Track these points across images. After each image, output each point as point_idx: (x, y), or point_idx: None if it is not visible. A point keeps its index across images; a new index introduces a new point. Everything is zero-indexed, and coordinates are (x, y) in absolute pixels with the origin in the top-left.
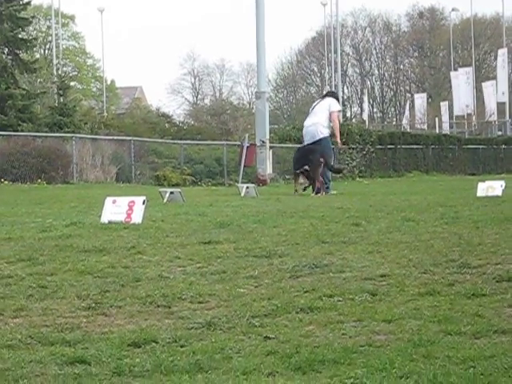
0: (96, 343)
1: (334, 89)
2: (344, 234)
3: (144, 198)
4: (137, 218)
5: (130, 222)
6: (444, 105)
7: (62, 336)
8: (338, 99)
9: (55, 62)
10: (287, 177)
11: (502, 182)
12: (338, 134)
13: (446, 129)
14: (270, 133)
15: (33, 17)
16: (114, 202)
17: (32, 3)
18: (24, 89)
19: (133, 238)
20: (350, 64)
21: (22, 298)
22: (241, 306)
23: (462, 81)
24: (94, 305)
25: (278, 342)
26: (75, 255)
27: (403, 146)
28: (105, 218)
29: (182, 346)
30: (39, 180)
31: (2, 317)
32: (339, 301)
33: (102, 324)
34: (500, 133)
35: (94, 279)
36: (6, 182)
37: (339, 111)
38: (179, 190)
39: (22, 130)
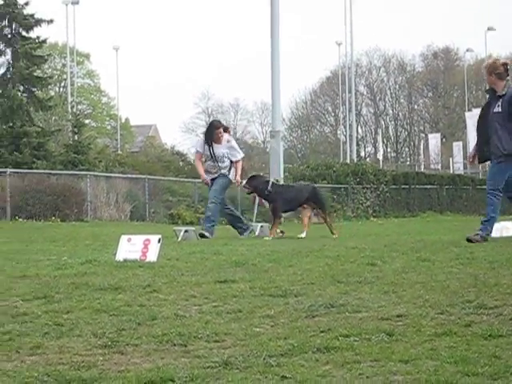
0: (112, 381)
1: (348, 129)
2: (359, 273)
3: (159, 236)
4: (152, 256)
5: (145, 261)
6: (457, 145)
7: (78, 374)
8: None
9: (70, 99)
10: (301, 216)
11: None
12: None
13: (459, 169)
14: (284, 172)
15: (48, 55)
16: (129, 240)
17: (47, 41)
18: (39, 126)
19: (148, 277)
20: (364, 104)
21: (39, 335)
22: (257, 345)
23: (476, 121)
24: (110, 343)
25: (295, 382)
26: (91, 293)
27: (417, 186)
28: (120, 256)
29: None
30: (53, 217)
31: (19, 354)
32: (356, 341)
33: (119, 362)
34: None
35: (109, 317)
36: (21, 220)
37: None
38: (193, 228)
39: (37, 168)
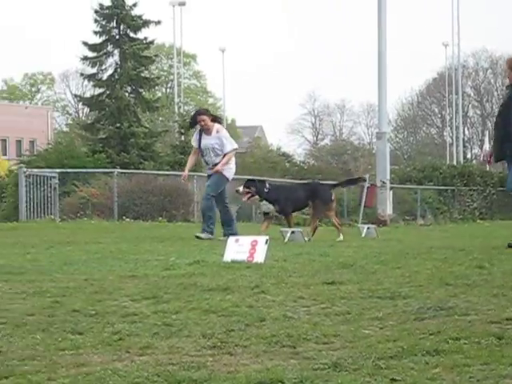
0: (222, 382)
1: (454, 130)
2: (468, 276)
3: (266, 237)
4: (259, 257)
5: (252, 262)
6: None
7: (188, 375)
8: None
9: (176, 100)
10: (407, 218)
11: None
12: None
13: None
14: (390, 173)
15: (156, 56)
16: (237, 241)
17: (155, 42)
18: (146, 127)
19: (256, 278)
20: (470, 105)
21: (148, 335)
22: (366, 347)
23: None
24: (219, 344)
25: None
26: (199, 294)
27: None
28: (228, 257)
29: None
30: (160, 218)
31: (129, 354)
32: (465, 344)
33: (228, 363)
34: None
35: (218, 318)
36: (128, 220)
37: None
38: (300, 229)
39: (144, 168)
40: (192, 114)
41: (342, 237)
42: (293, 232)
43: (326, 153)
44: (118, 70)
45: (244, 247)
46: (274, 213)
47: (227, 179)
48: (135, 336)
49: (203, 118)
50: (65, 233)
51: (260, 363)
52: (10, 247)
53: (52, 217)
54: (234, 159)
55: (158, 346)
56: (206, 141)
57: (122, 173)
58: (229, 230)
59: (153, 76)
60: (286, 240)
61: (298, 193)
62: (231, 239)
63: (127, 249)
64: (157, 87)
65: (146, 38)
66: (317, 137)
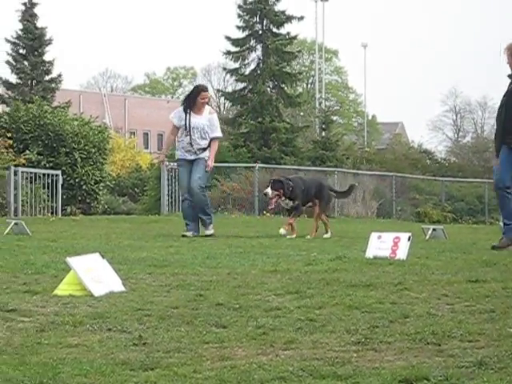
0: (367, 378)
1: None
2: None
3: (409, 234)
4: (401, 254)
5: (394, 258)
6: None
7: (333, 370)
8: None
9: (317, 96)
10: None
11: None
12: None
13: None
14: None
15: (298, 51)
16: (380, 237)
17: (297, 37)
18: (288, 122)
19: (399, 274)
20: None
21: (292, 330)
22: (511, 346)
23: None
24: (363, 340)
25: None
26: (342, 289)
27: None
28: (370, 253)
29: None
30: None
31: (273, 348)
32: None
33: (372, 359)
34: None
35: (362, 314)
36: (268, 215)
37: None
38: (441, 227)
39: (285, 163)
40: (191, 90)
41: (329, 234)
42: (434, 229)
43: (468, 150)
44: (261, 64)
45: (386, 244)
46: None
47: (211, 169)
48: (279, 330)
49: (207, 94)
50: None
51: (404, 360)
52: (153, 240)
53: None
54: None
55: (301, 341)
56: (197, 119)
57: (263, 167)
58: (207, 220)
59: (294, 71)
60: (428, 237)
61: (309, 188)
62: (374, 235)
63: (269, 243)
64: (298, 82)
65: (288, 34)
66: (458, 134)
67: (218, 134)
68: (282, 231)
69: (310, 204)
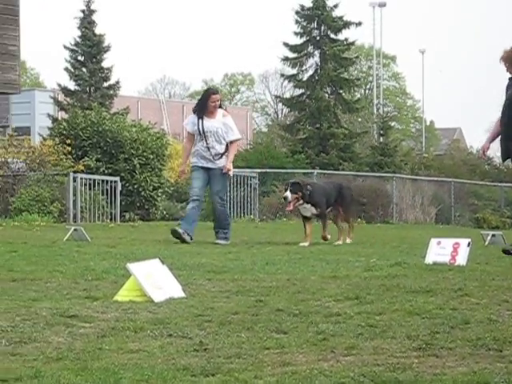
0: None
1: None
2: None
3: (469, 240)
4: (461, 260)
5: (454, 264)
6: None
7: (394, 376)
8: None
9: (375, 101)
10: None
11: None
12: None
13: None
14: None
15: (356, 57)
16: (439, 243)
17: (355, 43)
18: (346, 128)
19: (459, 280)
20: None
21: (352, 336)
22: None
23: None
24: (424, 346)
25: None
26: (402, 295)
27: None
28: (429, 259)
29: None
30: (359, 219)
31: (334, 354)
32: None
33: (434, 365)
34: None
35: (422, 320)
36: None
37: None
38: (501, 232)
39: (343, 169)
40: (201, 95)
41: (341, 241)
42: (493, 235)
43: None
44: (319, 70)
45: (446, 249)
46: (312, 215)
47: (228, 176)
48: (339, 336)
49: (218, 97)
50: (264, 232)
51: (466, 366)
52: (211, 246)
53: (251, 216)
54: None
55: (362, 347)
56: (210, 123)
57: (321, 173)
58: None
59: (352, 77)
60: (487, 243)
61: (331, 193)
62: (433, 241)
63: (327, 249)
64: (356, 88)
65: (346, 39)
66: None
67: (235, 136)
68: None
69: (329, 209)
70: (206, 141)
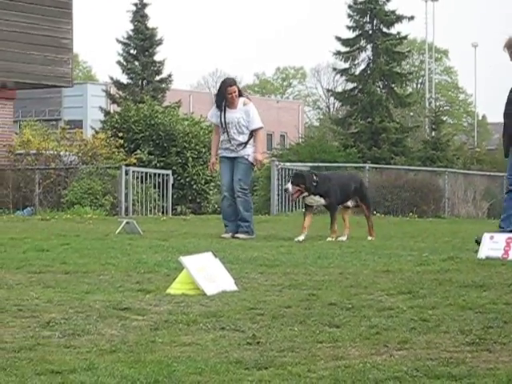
0: (482, 379)
1: None
2: None
3: None
4: None
5: (507, 259)
6: None
7: (447, 370)
8: None
9: (427, 96)
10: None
11: None
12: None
13: None
14: None
15: (408, 51)
16: (492, 237)
17: (407, 37)
18: (398, 122)
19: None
20: None
21: (405, 330)
22: None
23: None
24: (477, 340)
25: None
26: (455, 290)
27: None
28: (482, 254)
29: None
30: (411, 213)
31: (387, 348)
32: None
33: (487, 360)
34: None
35: (475, 315)
36: (378, 214)
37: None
38: None
39: (395, 164)
40: (220, 84)
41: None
42: None
43: None
44: (371, 64)
45: (499, 244)
46: (319, 206)
47: (253, 166)
48: (392, 330)
49: (235, 88)
50: (314, 226)
51: None
52: (263, 240)
53: (302, 210)
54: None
55: (415, 341)
56: (231, 114)
57: (373, 167)
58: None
59: (404, 71)
60: None
61: (348, 184)
62: (486, 236)
63: (379, 243)
64: (408, 83)
65: (398, 34)
66: None
67: (257, 124)
68: (329, 239)
69: (348, 203)
70: (227, 133)
